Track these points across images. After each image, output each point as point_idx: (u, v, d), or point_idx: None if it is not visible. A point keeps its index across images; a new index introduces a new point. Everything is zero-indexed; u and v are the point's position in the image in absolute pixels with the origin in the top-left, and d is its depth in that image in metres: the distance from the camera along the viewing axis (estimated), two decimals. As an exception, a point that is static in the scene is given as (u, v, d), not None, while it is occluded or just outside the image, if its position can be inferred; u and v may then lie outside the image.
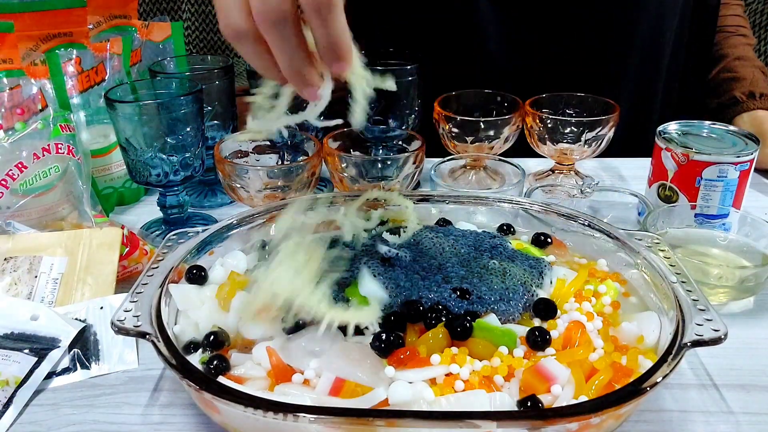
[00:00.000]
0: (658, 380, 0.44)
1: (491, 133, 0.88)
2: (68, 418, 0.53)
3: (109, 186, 0.87)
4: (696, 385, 0.56)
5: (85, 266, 0.66)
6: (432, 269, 0.59)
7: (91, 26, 0.85)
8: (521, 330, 0.53)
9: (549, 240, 0.66)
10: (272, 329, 0.53)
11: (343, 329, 0.52)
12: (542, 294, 0.58)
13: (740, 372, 0.57)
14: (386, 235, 0.63)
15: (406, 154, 0.76)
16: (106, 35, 0.88)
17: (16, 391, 0.54)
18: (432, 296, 0.55)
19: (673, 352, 0.46)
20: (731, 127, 0.79)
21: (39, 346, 0.58)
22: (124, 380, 0.57)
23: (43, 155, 0.72)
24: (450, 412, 0.45)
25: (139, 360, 0.59)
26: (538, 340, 0.51)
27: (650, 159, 0.80)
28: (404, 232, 0.64)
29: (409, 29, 1.05)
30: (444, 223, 0.70)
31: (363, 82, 0.51)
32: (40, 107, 0.76)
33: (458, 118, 0.88)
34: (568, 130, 0.86)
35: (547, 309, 0.55)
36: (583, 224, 0.66)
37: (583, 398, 0.46)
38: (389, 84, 0.54)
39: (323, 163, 0.78)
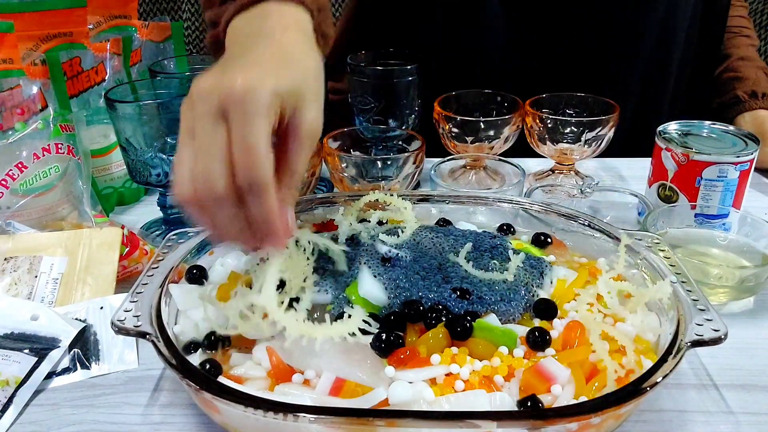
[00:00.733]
0: (658, 380, 0.44)
1: (491, 133, 0.88)
2: (68, 418, 0.53)
3: (109, 186, 0.87)
4: (696, 385, 0.56)
5: (85, 266, 0.66)
6: (432, 269, 0.59)
7: (91, 26, 0.84)
8: (521, 330, 0.53)
9: (549, 240, 0.66)
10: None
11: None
12: (543, 294, 0.58)
13: (740, 372, 0.57)
14: (383, 237, 0.63)
15: (406, 154, 0.76)
16: (106, 35, 0.88)
17: (16, 391, 0.54)
18: (432, 296, 0.55)
19: (673, 352, 0.46)
20: (731, 127, 0.79)
21: (39, 346, 0.58)
22: (124, 380, 0.57)
23: (43, 155, 0.72)
24: (450, 412, 0.45)
25: (139, 360, 0.59)
26: (538, 340, 0.51)
27: (650, 159, 0.80)
28: (402, 232, 0.64)
29: (410, 29, 1.05)
30: (444, 223, 0.70)
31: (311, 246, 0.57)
32: (40, 107, 0.76)
33: (458, 118, 0.88)
34: (568, 130, 0.86)
35: (547, 309, 0.55)
36: (583, 224, 0.66)
37: (583, 398, 0.46)
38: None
39: (323, 163, 0.78)
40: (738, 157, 0.72)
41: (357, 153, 0.83)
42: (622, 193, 0.85)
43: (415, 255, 0.61)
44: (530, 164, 0.98)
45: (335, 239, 0.62)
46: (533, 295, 0.57)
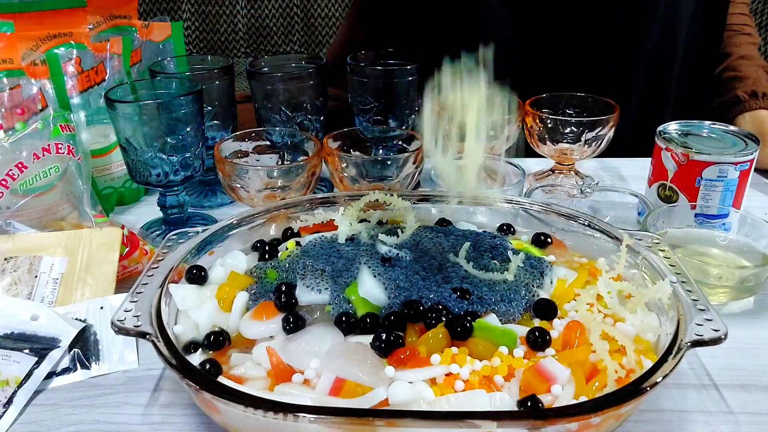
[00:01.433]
0: (658, 380, 0.44)
1: (491, 132, 0.88)
2: (68, 418, 0.53)
3: (109, 186, 0.87)
4: (696, 385, 0.56)
5: (85, 266, 0.66)
6: (432, 269, 0.59)
7: (91, 26, 0.85)
8: (521, 330, 0.53)
9: (549, 240, 0.66)
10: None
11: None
12: (543, 294, 0.58)
13: (740, 372, 0.57)
14: (383, 237, 0.63)
15: (406, 154, 0.76)
16: (106, 35, 0.88)
17: (16, 391, 0.54)
18: (432, 296, 0.55)
19: (673, 352, 0.46)
20: (731, 127, 0.79)
21: (39, 346, 0.58)
22: (124, 380, 0.57)
23: (43, 155, 0.72)
24: (450, 412, 0.45)
25: (139, 360, 0.59)
26: (538, 341, 0.51)
27: (650, 159, 0.80)
28: (402, 232, 0.64)
29: (410, 29, 1.05)
30: (444, 223, 0.70)
31: None
32: (40, 107, 0.77)
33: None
34: (568, 130, 0.86)
35: (547, 309, 0.55)
36: (583, 224, 0.66)
37: (583, 398, 0.46)
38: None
39: (323, 163, 0.78)
40: (738, 157, 0.72)
41: (357, 153, 0.83)
42: (622, 193, 0.85)
43: (415, 255, 0.61)
44: (530, 164, 0.98)
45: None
46: (533, 295, 0.57)
